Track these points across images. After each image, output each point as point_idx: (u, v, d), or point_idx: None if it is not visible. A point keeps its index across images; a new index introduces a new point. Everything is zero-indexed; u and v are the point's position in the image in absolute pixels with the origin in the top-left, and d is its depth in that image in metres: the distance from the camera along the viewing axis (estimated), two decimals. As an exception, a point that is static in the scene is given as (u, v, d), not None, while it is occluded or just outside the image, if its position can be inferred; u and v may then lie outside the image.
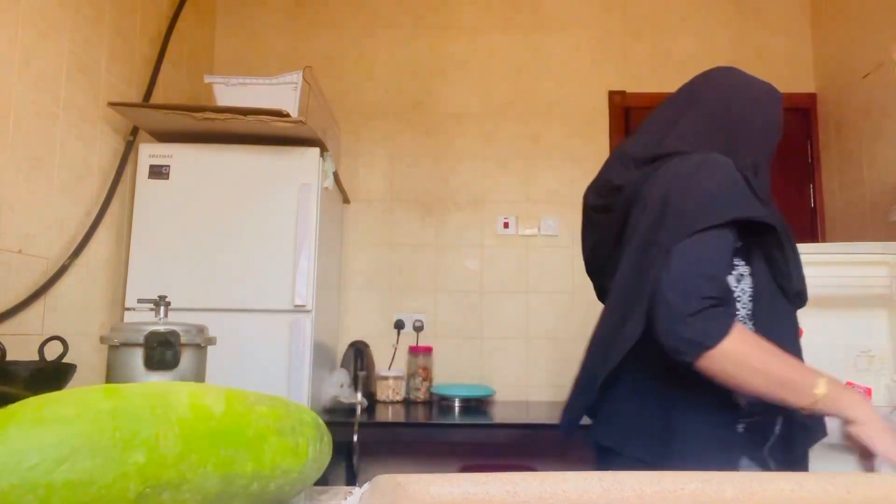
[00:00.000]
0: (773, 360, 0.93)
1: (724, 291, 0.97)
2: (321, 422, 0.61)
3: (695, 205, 1.00)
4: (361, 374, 2.45)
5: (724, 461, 1.01)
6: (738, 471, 0.82)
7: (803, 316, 1.14)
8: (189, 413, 0.48)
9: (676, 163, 1.08)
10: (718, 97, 1.19)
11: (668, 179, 1.05)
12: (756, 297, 1.05)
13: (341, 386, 2.27)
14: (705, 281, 0.95)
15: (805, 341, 1.13)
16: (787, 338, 1.03)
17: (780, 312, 1.06)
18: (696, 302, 0.93)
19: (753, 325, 1.04)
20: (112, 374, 1.03)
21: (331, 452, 0.62)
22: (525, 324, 2.83)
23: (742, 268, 1.07)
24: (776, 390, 0.93)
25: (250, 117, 2.03)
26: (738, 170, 1.04)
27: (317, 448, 0.57)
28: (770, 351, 0.94)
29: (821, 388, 0.91)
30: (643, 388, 1.09)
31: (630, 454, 1.08)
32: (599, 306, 1.13)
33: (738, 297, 1.06)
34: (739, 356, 0.92)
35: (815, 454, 1.12)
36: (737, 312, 1.04)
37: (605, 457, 1.15)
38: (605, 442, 1.14)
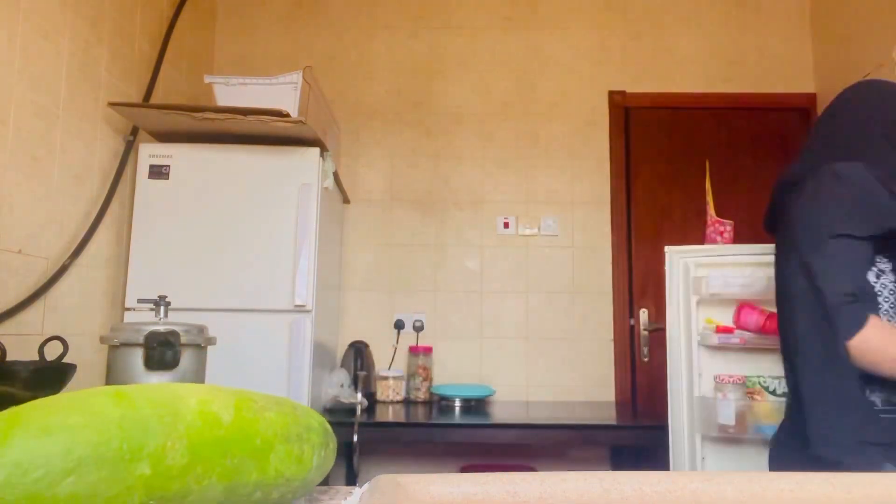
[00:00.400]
0: None
1: (860, 289, 1.06)
2: (328, 427, 0.60)
3: (824, 217, 1.12)
4: (361, 374, 2.45)
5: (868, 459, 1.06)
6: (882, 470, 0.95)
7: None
8: (198, 421, 0.47)
9: (814, 176, 1.17)
10: (856, 108, 1.24)
11: (805, 194, 1.16)
12: None
13: (341, 386, 2.27)
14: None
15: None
16: None
17: None
18: (835, 298, 1.05)
19: None
20: (112, 374, 1.03)
21: (335, 457, 0.61)
22: (525, 324, 2.83)
23: (883, 264, 1.10)
24: None
25: (250, 117, 2.03)
26: (874, 176, 1.10)
27: (321, 455, 0.57)
28: None
29: None
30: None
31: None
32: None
33: (879, 291, 1.09)
34: (874, 347, 1.03)
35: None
36: (879, 307, 1.09)
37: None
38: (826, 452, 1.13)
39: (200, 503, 0.46)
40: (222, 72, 2.92)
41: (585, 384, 2.79)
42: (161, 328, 1.02)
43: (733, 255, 1.84)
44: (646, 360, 2.84)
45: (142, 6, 2.29)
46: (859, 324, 1.02)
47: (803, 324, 1.12)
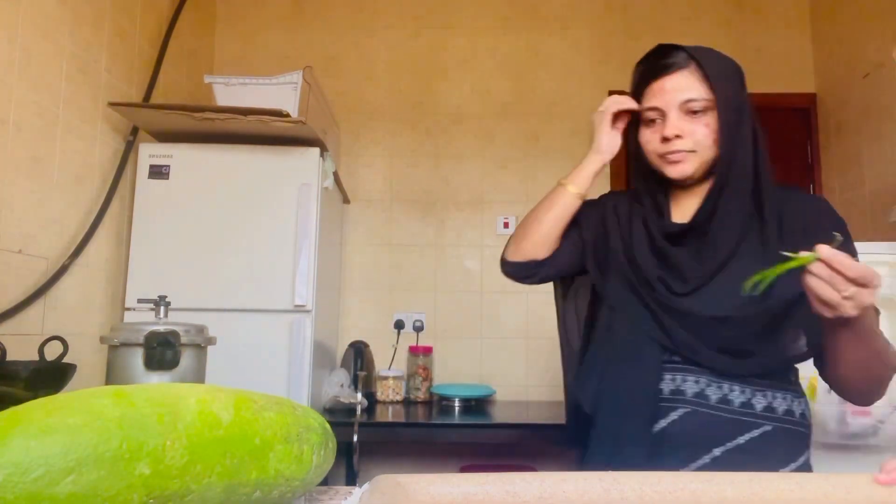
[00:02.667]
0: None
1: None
2: (327, 426, 0.60)
3: None
4: (361, 374, 2.45)
5: None
6: None
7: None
8: (197, 421, 0.47)
9: None
10: None
11: None
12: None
13: (341, 386, 2.26)
14: None
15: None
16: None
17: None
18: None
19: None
20: (112, 374, 1.03)
21: (334, 456, 0.61)
22: (525, 324, 2.83)
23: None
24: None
25: (250, 117, 2.03)
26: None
27: (321, 455, 0.57)
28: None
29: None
30: None
31: None
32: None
33: None
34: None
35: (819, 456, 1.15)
36: None
37: None
38: None
39: (200, 502, 0.46)
40: (222, 72, 2.92)
41: (585, 384, 2.78)
42: (161, 328, 1.02)
43: (733, 255, 1.84)
44: (646, 360, 2.83)
45: (142, 6, 2.29)
46: None
47: None
